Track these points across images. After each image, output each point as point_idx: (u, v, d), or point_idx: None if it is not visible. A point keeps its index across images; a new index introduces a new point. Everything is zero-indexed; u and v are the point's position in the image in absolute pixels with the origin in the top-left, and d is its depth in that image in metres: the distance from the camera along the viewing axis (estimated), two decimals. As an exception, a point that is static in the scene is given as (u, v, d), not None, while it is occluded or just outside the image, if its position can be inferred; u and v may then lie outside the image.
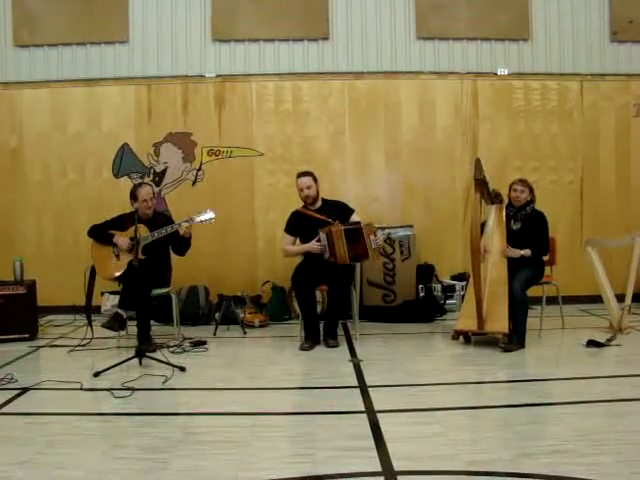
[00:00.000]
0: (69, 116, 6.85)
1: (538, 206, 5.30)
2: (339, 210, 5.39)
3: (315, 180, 5.40)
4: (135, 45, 6.86)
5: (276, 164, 6.88)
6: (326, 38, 6.90)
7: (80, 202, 6.82)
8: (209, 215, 5.18)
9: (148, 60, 6.87)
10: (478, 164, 4.88)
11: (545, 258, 5.33)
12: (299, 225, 5.41)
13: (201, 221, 5.18)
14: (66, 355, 4.99)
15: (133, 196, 5.32)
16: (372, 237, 5.12)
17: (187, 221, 5.15)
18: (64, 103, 6.85)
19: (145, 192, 5.32)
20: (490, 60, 6.92)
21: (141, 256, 5.06)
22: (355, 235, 5.08)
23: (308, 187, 5.34)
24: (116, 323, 4.94)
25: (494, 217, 5.27)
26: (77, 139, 6.85)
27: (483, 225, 5.23)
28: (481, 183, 4.92)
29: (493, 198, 5.21)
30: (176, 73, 6.89)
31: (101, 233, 5.31)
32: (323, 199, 5.46)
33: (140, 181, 6.53)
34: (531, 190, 5.25)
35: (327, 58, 6.93)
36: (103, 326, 4.95)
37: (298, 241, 5.47)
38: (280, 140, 6.90)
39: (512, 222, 5.24)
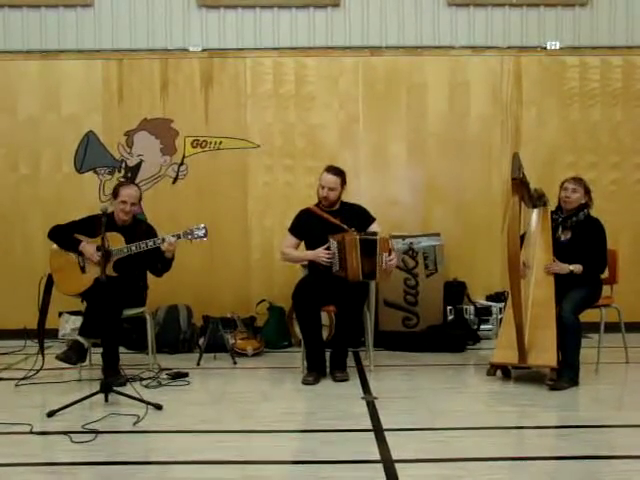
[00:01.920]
0: (19, 96, 6.88)
1: (595, 212, 5.28)
2: (358, 216, 5.42)
3: (343, 183, 5.42)
4: (102, 10, 6.90)
5: (275, 158, 6.90)
6: (336, 5, 6.94)
7: (33, 202, 6.85)
8: (202, 232, 5.16)
9: (119, 29, 6.90)
10: (516, 160, 4.87)
11: (603, 276, 5.32)
12: (307, 227, 5.42)
13: (192, 238, 5.16)
14: (13, 390, 4.97)
15: (114, 193, 5.36)
16: (385, 255, 5.13)
17: (174, 237, 5.12)
18: (13, 80, 6.88)
19: (127, 193, 5.30)
20: (538, 31, 6.94)
21: (112, 273, 5.07)
22: (371, 248, 5.10)
23: (331, 189, 5.35)
24: (74, 354, 4.93)
25: (537, 223, 5.26)
26: (30, 125, 6.87)
27: (524, 236, 5.23)
28: (520, 183, 4.91)
29: (536, 200, 5.20)
30: (153, 46, 6.93)
31: (65, 237, 5.29)
32: (341, 201, 5.48)
33: (110, 179, 6.59)
34: (587, 191, 5.22)
35: (337, 30, 6.96)
36: (58, 358, 4.94)
37: (303, 245, 5.48)
38: (280, 129, 6.92)
39: (560, 230, 5.22)
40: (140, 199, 5.54)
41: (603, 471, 3.50)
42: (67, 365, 5.03)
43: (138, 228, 5.38)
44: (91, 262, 5.17)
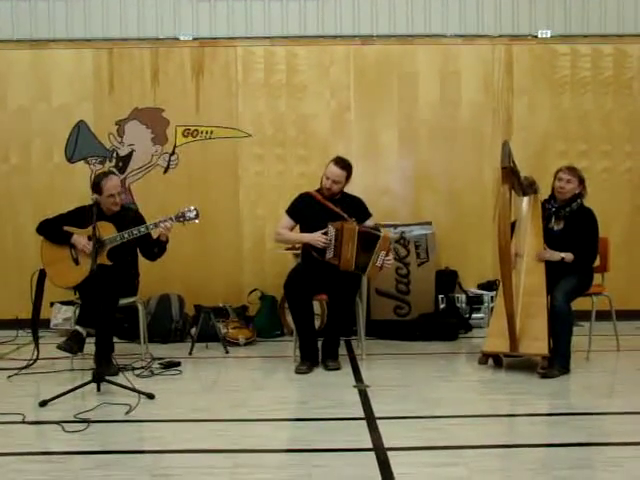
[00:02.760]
0: (10, 86, 6.84)
1: (586, 200, 5.27)
2: (356, 208, 5.41)
3: (349, 177, 5.39)
4: (93, -1, 6.86)
5: (266, 147, 6.88)
6: (327, -7, 6.91)
7: (24, 192, 6.81)
8: (193, 213, 5.16)
9: (109, 18, 6.86)
10: (506, 148, 4.87)
11: (594, 264, 5.32)
12: (306, 211, 5.39)
13: (184, 220, 5.16)
14: (5, 381, 4.95)
15: (96, 189, 5.27)
16: (383, 253, 5.13)
17: (166, 220, 5.12)
18: (3, 70, 6.84)
19: (112, 185, 5.28)
20: (529, 20, 6.92)
21: (107, 261, 5.06)
22: (370, 242, 5.09)
23: (336, 182, 5.32)
24: (75, 344, 4.92)
25: (527, 210, 5.26)
26: (20, 115, 6.84)
27: (514, 224, 5.23)
28: (510, 172, 4.90)
29: (526, 188, 5.20)
30: (144, 35, 6.88)
31: (55, 230, 5.27)
32: (343, 192, 5.46)
33: (102, 169, 6.53)
34: (581, 181, 5.20)
35: (328, 18, 6.92)
36: (59, 347, 4.93)
37: (297, 229, 5.47)
38: (271, 118, 6.89)
39: (553, 220, 5.22)
40: (123, 185, 5.51)
41: (595, 458, 3.52)
42: (60, 354, 5.01)
43: (127, 216, 5.36)
44: (84, 253, 5.15)
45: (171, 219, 5.14)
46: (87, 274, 5.00)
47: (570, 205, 5.19)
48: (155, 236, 5.31)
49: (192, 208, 5.18)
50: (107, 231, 5.10)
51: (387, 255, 5.18)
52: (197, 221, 5.21)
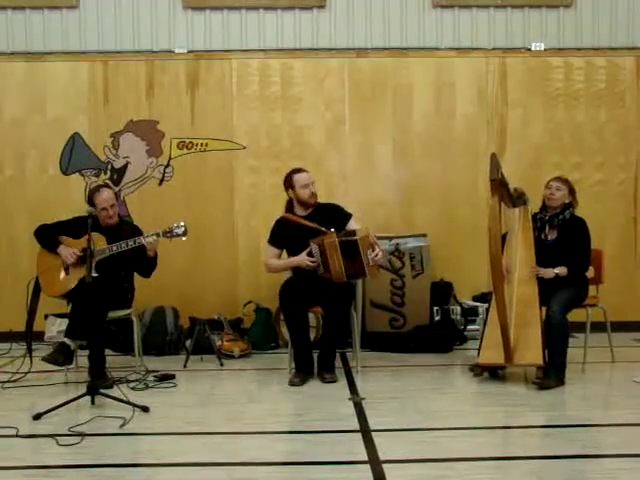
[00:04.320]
0: (5, 98, 6.84)
1: (580, 212, 5.30)
2: (333, 215, 5.40)
3: None
4: (88, 12, 6.87)
5: (261, 160, 6.89)
6: (322, 6, 6.93)
7: (19, 204, 6.81)
8: (181, 230, 5.15)
9: (104, 31, 6.87)
10: (494, 161, 4.88)
11: (589, 275, 5.34)
12: (286, 235, 5.40)
13: (171, 236, 5.15)
14: (-1, 393, 4.96)
15: (91, 202, 5.30)
16: (369, 252, 5.13)
17: (152, 236, 5.11)
18: (-3, 82, 6.86)
19: (104, 198, 5.29)
20: (522, 33, 6.96)
21: (93, 273, 5.04)
22: (352, 248, 5.08)
23: (312, 184, 5.38)
24: (61, 356, 4.91)
25: (518, 222, 5.28)
26: (15, 126, 6.84)
27: (505, 236, 5.25)
28: (499, 184, 4.92)
29: (515, 199, 5.22)
30: (139, 47, 6.90)
31: (48, 236, 5.28)
32: (316, 203, 5.47)
33: (96, 182, 6.54)
34: (571, 191, 5.26)
35: (323, 31, 6.96)
36: (44, 359, 4.92)
37: (285, 254, 5.47)
38: (266, 131, 6.91)
39: (546, 229, 5.24)
40: (117, 197, 5.51)
41: (590, 470, 3.51)
42: (54, 367, 5.00)
43: (124, 229, 5.38)
44: (72, 264, 5.15)
45: (158, 234, 5.13)
46: (74, 285, 5.01)
47: (563, 214, 5.21)
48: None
49: (181, 224, 5.15)
50: (98, 243, 5.08)
51: (373, 251, 5.17)
52: (184, 238, 5.19)
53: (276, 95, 6.91)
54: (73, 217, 5.38)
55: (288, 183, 5.42)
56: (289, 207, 5.49)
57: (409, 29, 6.95)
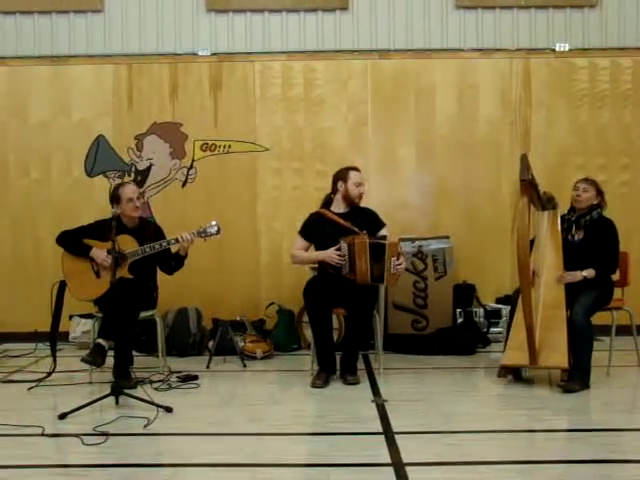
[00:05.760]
0: (31, 101, 6.92)
1: (606, 214, 5.25)
2: (368, 220, 5.42)
3: None
4: (112, 15, 6.94)
5: (283, 161, 6.91)
6: (345, 8, 6.94)
7: (44, 206, 6.88)
8: (214, 229, 5.19)
9: (128, 34, 6.94)
10: (524, 161, 4.86)
11: (615, 277, 5.29)
12: (318, 230, 5.42)
13: (205, 235, 5.19)
14: (25, 393, 4.99)
15: (115, 199, 5.32)
16: (394, 259, 5.13)
17: (188, 235, 5.15)
18: (24, 85, 6.93)
19: (129, 190, 5.34)
20: (547, 33, 6.92)
21: (128, 275, 5.10)
22: (380, 252, 5.10)
23: (363, 184, 5.45)
24: (99, 357, 4.92)
25: (546, 226, 5.25)
26: (41, 129, 6.91)
27: (533, 241, 5.21)
28: (529, 185, 4.90)
29: (545, 203, 5.19)
30: (162, 50, 6.95)
31: (74, 242, 5.30)
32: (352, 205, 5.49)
33: (119, 181, 6.58)
34: (599, 192, 5.21)
35: (346, 33, 6.96)
36: (83, 361, 4.93)
37: (312, 248, 5.48)
38: (288, 132, 6.93)
39: (573, 229, 5.20)
40: (141, 192, 5.55)
41: (615, 475, 3.48)
42: (85, 367, 5.04)
43: (147, 229, 5.41)
44: (104, 267, 5.17)
45: (193, 234, 5.17)
46: (108, 287, 5.03)
47: (590, 214, 5.17)
48: (174, 250, 5.34)
49: (213, 223, 5.20)
50: (129, 244, 5.13)
51: (397, 259, 5.17)
52: (219, 235, 5.23)
53: (299, 97, 6.92)
54: (95, 221, 5.40)
55: (341, 176, 5.45)
56: (326, 203, 5.52)
57: (432, 30, 6.94)
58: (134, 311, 5.06)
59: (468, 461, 3.57)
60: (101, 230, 5.21)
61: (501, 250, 6.74)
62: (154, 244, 5.14)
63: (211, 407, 4.65)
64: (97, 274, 5.25)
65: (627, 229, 5.85)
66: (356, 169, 5.50)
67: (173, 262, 5.36)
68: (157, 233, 5.38)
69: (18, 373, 5.59)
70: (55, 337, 5.33)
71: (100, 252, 5.20)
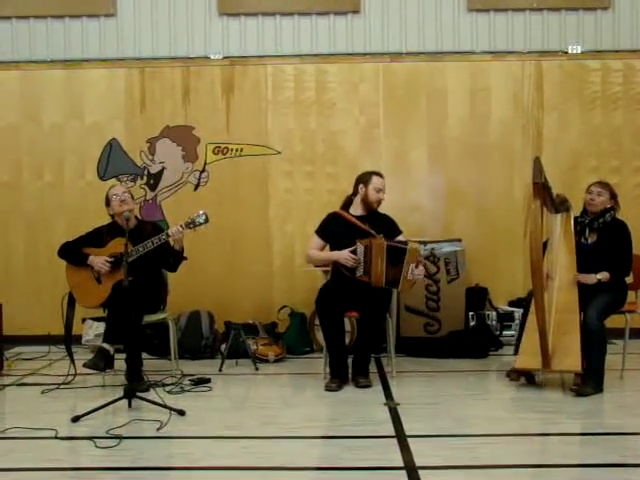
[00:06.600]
0: (44, 105, 6.96)
1: (619, 216, 5.22)
2: (385, 225, 5.41)
3: None
4: (125, 19, 6.98)
5: (295, 164, 6.92)
6: (356, 11, 6.95)
7: (57, 209, 6.92)
8: (202, 218, 5.12)
9: (141, 38, 6.97)
10: (537, 164, 4.84)
11: (628, 280, 5.26)
12: (335, 230, 5.42)
13: (194, 226, 5.15)
14: (39, 396, 5.01)
15: (106, 201, 5.38)
16: (412, 266, 5.12)
17: (178, 228, 5.11)
18: (38, 89, 6.97)
19: (115, 189, 5.40)
20: (559, 35, 6.91)
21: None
22: (398, 256, 5.09)
23: (384, 191, 5.43)
24: (101, 361, 4.92)
25: (559, 228, 5.22)
26: (54, 133, 6.96)
27: (546, 243, 5.19)
28: (542, 188, 4.88)
29: (558, 205, 5.17)
30: (175, 54, 6.98)
31: (73, 252, 5.32)
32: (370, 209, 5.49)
33: (133, 186, 6.67)
34: (613, 195, 5.18)
35: (358, 36, 6.97)
36: (85, 366, 4.94)
37: (327, 248, 5.48)
38: (300, 135, 6.94)
39: (586, 232, 5.18)
40: (130, 193, 5.54)
41: (630, 479, 3.45)
42: (94, 372, 5.04)
43: (144, 229, 5.36)
44: (103, 273, 5.19)
45: (181, 226, 5.13)
46: (109, 292, 5.06)
47: (603, 217, 5.14)
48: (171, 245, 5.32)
49: (201, 212, 5.11)
50: (123, 246, 5.11)
51: (417, 267, 5.16)
52: (207, 224, 5.14)
53: (310, 100, 6.93)
54: (93, 229, 5.43)
55: (364, 179, 5.44)
56: (346, 204, 5.52)
57: (444, 33, 6.93)
58: (137, 313, 5.00)
59: (481, 464, 3.56)
60: (98, 237, 5.30)
61: (514, 253, 6.72)
62: (146, 242, 5.10)
63: (223, 410, 4.66)
64: (98, 281, 5.26)
65: (641, 232, 5.81)
66: (380, 175, 5.47)
67: (171, 258, 5.32)
68: (155, 232, 5.30)
69: (31, 376, 5.61)
70: (70, 347, 5.34)
71: (97, 259, 5.20)
